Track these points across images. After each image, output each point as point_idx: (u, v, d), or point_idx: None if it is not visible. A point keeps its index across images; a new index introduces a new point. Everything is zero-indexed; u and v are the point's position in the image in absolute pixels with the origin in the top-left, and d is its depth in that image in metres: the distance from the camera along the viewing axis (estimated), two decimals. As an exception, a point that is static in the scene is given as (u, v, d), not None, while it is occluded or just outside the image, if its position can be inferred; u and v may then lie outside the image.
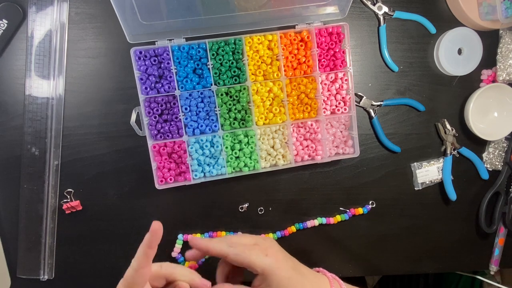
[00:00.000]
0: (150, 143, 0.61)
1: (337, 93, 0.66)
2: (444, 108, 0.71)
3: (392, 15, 0.68)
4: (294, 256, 0.56)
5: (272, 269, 0.45)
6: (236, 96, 0.63)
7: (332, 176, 0.70)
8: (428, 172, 0.71)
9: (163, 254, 0.65)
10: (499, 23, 0.67)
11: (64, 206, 0.63)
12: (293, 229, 0.69)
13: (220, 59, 0.62)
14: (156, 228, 0.40)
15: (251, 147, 0.64)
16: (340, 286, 0.50)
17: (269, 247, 0.48)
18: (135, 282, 0.40)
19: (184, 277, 0.44)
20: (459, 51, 0.70)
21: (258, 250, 0.47)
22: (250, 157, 0.64)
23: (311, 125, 0.65)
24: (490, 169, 0.73)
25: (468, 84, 0.71)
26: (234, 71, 0.62)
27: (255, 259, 0.45)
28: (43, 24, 0.61)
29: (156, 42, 0.60)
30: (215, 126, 0.63)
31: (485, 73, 0.71)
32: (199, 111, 0.62)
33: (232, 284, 0.47)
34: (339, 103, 0.66)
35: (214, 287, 0.47)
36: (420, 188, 0.71)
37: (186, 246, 0.66)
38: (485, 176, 0.73)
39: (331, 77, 0.66)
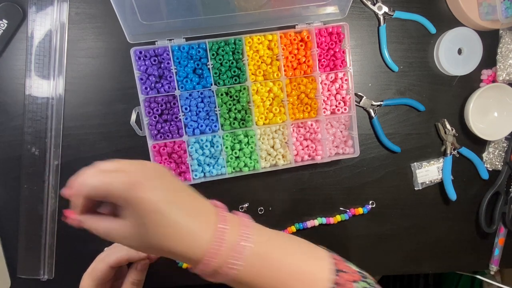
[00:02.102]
0: (150, 143, 0.61)
1: (337, 93, 0.66)
2: (444, 108, 0.71)
3: (392, 15, 0.68)
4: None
5: (132, 197, 0.34)
6: (236, 96, 0.63)
7: (332, 176, 0.70)
8: (428, 172, 0.71)
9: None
10: (499, 23, 0.67)
11: (64, 206, 0.63)
12: (293, 229, 0.69)
13: (220, 59, 0.62)
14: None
15: (251, 147, 0.64)
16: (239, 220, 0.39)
17: (136, 171, 0.36)
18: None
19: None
20: (459, 51, 0.70)
21: (122, 176, 0.35)
22: (250, 157, 0.64)
23: (311, 125, 0.65)
24: (490, 169, 0.73)
25: (468, 84, 0.71)
26: (234, 71, 0.62)
27: (114, 187, 0.34)
28: (43, 24, 0.61)
29: (156, 42, 0.60)
30: (215, 126, 0.63)
31: (485, 73, 0.71)
32: (199, 111, 0.62)
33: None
34: (339, 103, 0.66)
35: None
36: (420, 188, 0.71)
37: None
38: (485, 176, 0.73)
39: (331, 77, 0.66)
